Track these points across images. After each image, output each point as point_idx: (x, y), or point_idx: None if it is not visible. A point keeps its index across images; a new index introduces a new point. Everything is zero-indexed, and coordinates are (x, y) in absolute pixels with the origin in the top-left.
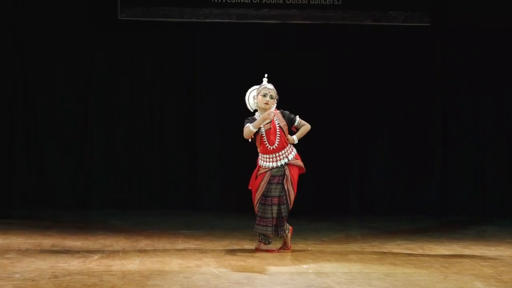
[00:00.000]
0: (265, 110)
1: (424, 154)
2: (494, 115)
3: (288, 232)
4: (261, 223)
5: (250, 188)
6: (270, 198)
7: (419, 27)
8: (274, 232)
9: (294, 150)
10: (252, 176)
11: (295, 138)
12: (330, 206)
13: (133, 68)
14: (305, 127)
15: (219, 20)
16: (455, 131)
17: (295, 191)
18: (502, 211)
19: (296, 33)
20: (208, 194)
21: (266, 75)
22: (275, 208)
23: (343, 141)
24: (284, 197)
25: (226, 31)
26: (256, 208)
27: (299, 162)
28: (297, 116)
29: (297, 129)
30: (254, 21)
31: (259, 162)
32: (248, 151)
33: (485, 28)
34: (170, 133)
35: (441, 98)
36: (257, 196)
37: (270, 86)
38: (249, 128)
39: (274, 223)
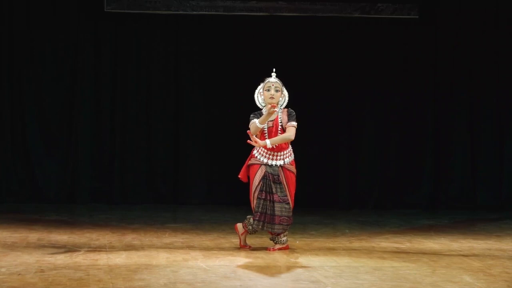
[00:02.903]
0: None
1: (414, 147)
2: (485, 108)
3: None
4: (256, 218)
5: (240, 177)
6: (265, 193)
7: (408, 20)
8: (261, 227)
9: (292, 155)
10: (244, 165)
11: (268, 142)
12: (319, 200)
13: (119, 60)
14: (285, 136)
15: (206, 13)
16: (446, 124)
17: (293, 196)
18: (491, 205)
19: (284, 26)
20: (195, 188)
21: (274, 70)
22: (269, 203)
23: (332, 134)
24: (285, 197)
25: (213, 23)
26: (253, 204)
27: (294, 169)
28: (294, 121)
29: (284, 130)
30: (242, 13)
31: (253, 152)
32: (235, 145)
33: (476, 21)
34: (156, 127)
35: (432, 91)
36: (253, 192)
37: (274, 79)
38: (255, 124)
39: (263, 218)
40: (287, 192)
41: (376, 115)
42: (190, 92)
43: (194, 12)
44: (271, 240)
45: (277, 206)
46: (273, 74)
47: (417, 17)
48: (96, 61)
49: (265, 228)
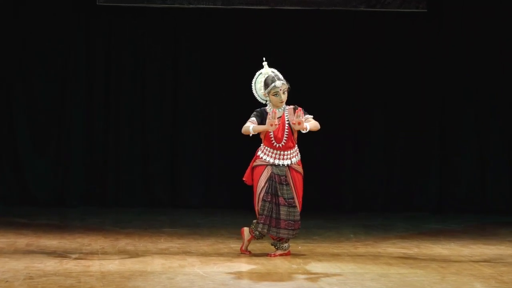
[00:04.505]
0: (278, 107)
1: (421, 148)
2: (494, 107)
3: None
4: (260, 221)
5: (244, 179)
6: (271, 196)
7: (416, 13)
8: (266, 230)
9: (299, 154)
10: (249, 167)
11: (307, 126)
12: (323, 203)
13: (112, 57)
14: (316, 123)
15: (203, 6)
16: (453, 125)
17: (301, 198)
18: (502, 208)
19: (285, 20)
20: (192, 191)
21: (264, 59)
22: (274, 206)
23: (337, 134)
24: (291, 200)
25: (211, 17)
26: (257, 207)
27: (301, 169)
28: (307, 115)
29: (291, 129)
30: (241, 7)
31: (258, 153)
32: (235, 145)
33: (484, 14)
34: (152, 126)
35: (439, 90)
36: (258, 194)
37: (279, 83)
38: (248, 129)
39: (268, 222)
40: (294, 194)
41: (382, 113)
42: (189, 90)
43: (191, 6)
44: (272, 245)
45: (283, 210)
46: (265, 64)
47: (425, 10)
48: (89, 58)
49: (270, 232)
